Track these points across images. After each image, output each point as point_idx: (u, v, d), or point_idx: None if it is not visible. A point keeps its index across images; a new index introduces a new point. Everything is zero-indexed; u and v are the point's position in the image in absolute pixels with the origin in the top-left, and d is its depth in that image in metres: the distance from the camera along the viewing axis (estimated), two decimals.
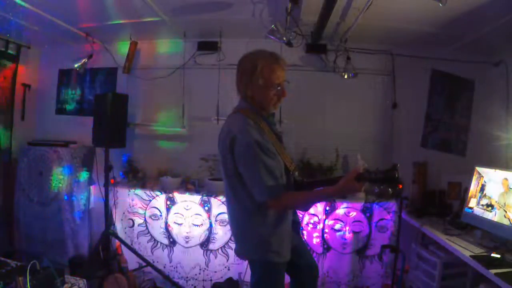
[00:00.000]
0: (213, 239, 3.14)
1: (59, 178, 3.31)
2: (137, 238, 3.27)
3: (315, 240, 3.06)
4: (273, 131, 1.70)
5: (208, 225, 3.15)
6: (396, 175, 1.43)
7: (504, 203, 2.18)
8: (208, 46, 3.48)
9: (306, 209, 1.90)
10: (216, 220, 3.13)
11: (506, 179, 2.23)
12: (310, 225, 3.06)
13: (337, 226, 3.05)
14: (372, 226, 3.05)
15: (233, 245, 3.11)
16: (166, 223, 3.20)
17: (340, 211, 3.04)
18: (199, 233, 3.16)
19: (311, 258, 2.02)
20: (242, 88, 1.70)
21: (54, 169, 3.31)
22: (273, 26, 2.65)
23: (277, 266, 1.72)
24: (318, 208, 3.04)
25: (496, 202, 2.26)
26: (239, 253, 1.81)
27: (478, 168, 2.49)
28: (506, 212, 2.15)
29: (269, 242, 1.67)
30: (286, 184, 1.66)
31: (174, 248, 3.20)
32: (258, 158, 1.57)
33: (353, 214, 3.04)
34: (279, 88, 1.66)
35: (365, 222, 3.05)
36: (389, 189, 1.55)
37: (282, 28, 2.67)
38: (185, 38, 3.49)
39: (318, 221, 3.06)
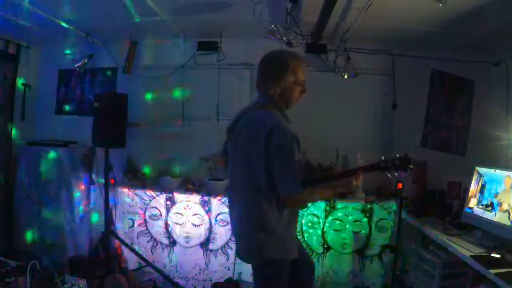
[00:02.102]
0: (213, 239, 3.14)
1: (59, 178, 3.31)
2: (137, 238, 3.27)
3: (315, 240, 3.06)
4: None
5: (208, 225, 3.15)
6: (409, 158, 1.66)
7: (509, 204, 2.17)
8: (208, 46, 3.48)
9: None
10: (216, 220, 3.13)
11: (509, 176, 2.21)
12: (310, 225, 3.06)
13: (337, 226, 3.05)
14: (372, 226, 3.05)
15: (233, 245, 3.10)
16: (166, 223, 3.20)
17: (340, 211, 3.04)
18: (199, 233, 3.16)
19: (307, 253, 2.07)
20: (269, 85, 1.74)
21: (54, 169, 3.30)
22: (273, 26, 2.65)
23: (288, 264, 1.73)
24: (318, 208, 3.04)
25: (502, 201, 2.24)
26: (250, 254, 1.76)
27: (478, 168, 2.49)
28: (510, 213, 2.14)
29: (284, 239, 1.69)
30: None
31: (174, 248, 3.20)
32: (295, 152, 1.61)
33: (353, 214, 3.04)
34: (304, 85, 1.77)
35: (365, 222, 3.05)
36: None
37: (282, 28, 2.67)
38: (185, 38, 3.49)
39: (318, 221, 3.06)
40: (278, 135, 1.61)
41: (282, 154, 1.61)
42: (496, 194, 2.26)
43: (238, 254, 1.86)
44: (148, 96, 3.65)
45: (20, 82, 3.61)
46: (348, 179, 1.72)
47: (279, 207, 1.67)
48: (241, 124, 1.77)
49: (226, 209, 3.08)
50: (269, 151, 1.61)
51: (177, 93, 3.57)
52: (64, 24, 3.02)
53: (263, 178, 1.64)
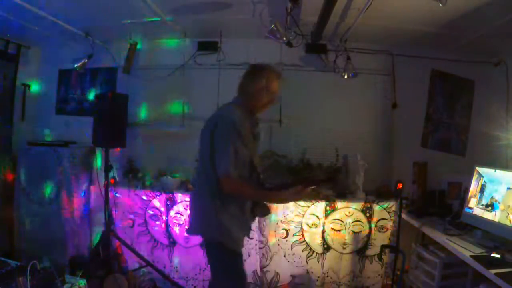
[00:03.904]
0: None
1: (59, 178, 3.31)
2: (137, 238, 3.27)
3: (315, 240, 3.06)
4: (251, 132, 1.94)
5: None
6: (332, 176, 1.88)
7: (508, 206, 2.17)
8: (208, 46, 3.49)
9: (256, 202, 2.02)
10: None
11: None
12: (310, 225, 3.06)
13: (337, 226, 3.05)
14: (372, 226, 3.05)
15: None
16: (166, 223, 3.20)
17: (340, 211, 3.04)
18: None
19: None
20: (243, 87, 2.00)
21: (54, 169, 3.30)
22: (273, 26, 2.65)
23: (232, 253, 1.90)
24: (318, 208, 3.04)
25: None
26: (194, 232, 2.01)
27: (478, 168, 2.49)
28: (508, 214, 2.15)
29: (225, 226, 1.85)
30: (248, 176, 1.88)
31: (174, 248, 3.20)
32: (233, 138, 1.80)
33: (353, 214, 3.04)
34: (273, 96, 1.98)
35: (365, 222, 3.05)
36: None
37: (282, 28, 2.67)
38: (185, 38, 3.49)
39: (318, 221, 3.06)
40: (221, 123, 1.84)
41: (220, 139, 1.82)
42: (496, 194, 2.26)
43: (188, 231, 2.10)
44: (148, 96, 3.65)
45: (20, 82, 3.61)
46: (289, 191, 1.87)
47: (221, 193, 1.83)
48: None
49: None
50: (213, 138, 1.84)
51: (177, 93, 3.56)
52: (64, 24, 3.01)
53: (209, 164, 1.84)
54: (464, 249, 2.11)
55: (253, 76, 1.98)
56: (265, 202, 2.05)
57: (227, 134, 1.81)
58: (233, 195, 1.84)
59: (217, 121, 1.86)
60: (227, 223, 1.85)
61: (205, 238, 1.98)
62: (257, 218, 3.01)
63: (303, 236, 3.06)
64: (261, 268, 3.05)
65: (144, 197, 3.23)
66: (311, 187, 1.88)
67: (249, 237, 2.08)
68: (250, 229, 2.06)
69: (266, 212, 2.08)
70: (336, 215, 3.05)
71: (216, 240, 1.88)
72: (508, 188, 2.18)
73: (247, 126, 1.89)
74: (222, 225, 1.84)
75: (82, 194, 3.44)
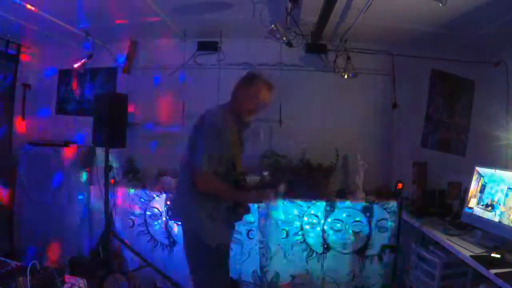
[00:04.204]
0: None
1: (59, 178, 3.31)
2: (137, 238, 3.26)
3: (315, 240, 3.06)
4: (237, 134, 2.02)
5: None
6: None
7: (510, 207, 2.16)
8: (208, 46, 3.49)
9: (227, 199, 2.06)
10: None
11: None
12: (310, 225, 3.06)
13: (337, 226, 3.05)
14: (372, 226, 3.05)
15: (233, 245, 3.10)
16: (166, 223, 3.20)
17: (340, 211, 3.04)
18: None
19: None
20: (234, 91, 2.07)
21: (54, 169, 3.31)
22: (273, 26, 2.65)
23: (206, 246, 1.94)
24: (318, 208, 3.04)
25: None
26: (174, 217, 2.17)
27: (478, 168, 2.49)
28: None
29: (200, 218, 1.94)
30: (226, 175, 1.93)
31: (174, 248, 3.20)
32: (210, 138, 1.89)
33: (353, 214, 3.04)
34: (260, 104, 2.03)
35: (365, 222, 3.05)
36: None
37: (282, 28, 2.67)
38: (185, 38, 3.49)
39: (318, 221, 3.06)
40: (206, 121, 1.94)
41: (199, 137, 1.93)
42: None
43: (169, 215, 2.24)
44: (148, 96, 3.65)
45: (20, 82, 3.61)
46: (253, 193, 2.04)
47: (196, 186, 1.92)
48: None
49: None
50: (195, 135, 1.96)
51: (177, 93, 3.56)
52: (64, 24, 3.01)
53: (190, 157, 1.94)
54: (464, 249, 2.11)
55: (244, 82, 2.07)
56: (244, 204, 2.10)
57: (206, 133, 1.91)
58: (206, 190, 1.91)
59: (201, 120, 1.97)
60: (203, 215, 1.94)
61: (183, 226, 2.08)
62: (257, 218, 3.05)
63: (303, 236, 3.06)
64: (261, 268, 3.06)
65: (144, 197, 3.23)
66: (271, 189, 2.02)
67: (230, 233, 2.14)
68: (229, 224, 2.09)
69: (243, 212, 2.11)
70: (336, 215, 3.05)
71: (192, 230, 1.98)
72: (509, 188, 2.18)
73: (233, 128, 1.97)
74: (198, 216, 1.94)
75: (82, 194, 3.44)
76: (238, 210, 2.08)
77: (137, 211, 3.25)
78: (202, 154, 1.86)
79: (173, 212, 2.17)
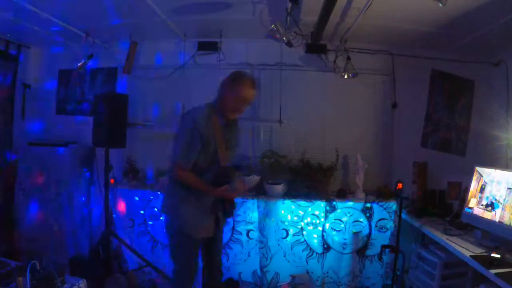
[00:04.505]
0: None
1: (59, 178, 3.31)
2: (137, 238, 3.27)
3: (315, 240, 3.06)
4: (220, 130, 2.09)
5: None
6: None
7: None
8: (208, 46, 3.48)
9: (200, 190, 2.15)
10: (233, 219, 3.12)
11: None
12: (310, 225, 3.06)
13: (337, 226, 3.05)
14: (372, 226, 3.05)
15: (233, 245, 3.11)
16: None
17: (340, 211, 3.04)
18: None
19: (216, 264, 2.34)
20: (219, 89, 2.17)
21: (54, 169, 3.31)
22: (273, 26, 2.65)
23: (183, 235, 2.09)
24: (318, 208, 3.04)
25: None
26: (162, 208, 2.26)
27: (478, 168, 2.49)
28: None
29: (179, 210, 2.09)
30: (207, 169, 2.05)
31: None
32: (188, 132, 2.00)
33: (353, 214, 3.04)
34: (242, 102, 2.11)
35: (365, 222, 3.05)
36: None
37: (282, 28, 2.66)
38: (185, 38, 3.49)
39: (318, 221, 3.06)
40: (183, 118, 2.11)
41: (178, 131, 2.08)
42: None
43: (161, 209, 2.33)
44: (148, 96, 3.64)
45: (20, 82, 3.61)
46: (220, 189, 2.06)
47: (183, 185, 2.08)
48: None
49: None
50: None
51: (177, 93, 3.56)
52: (64, 24, 3.01)
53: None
54: (464, 249, 2.11)
55: (228, 80, 2.15)
56: (230, 204, 2.19)
57: (183, 128, 2.04)
58: (181, 180, 2.06)
59: (183, 115, 2.11)
60: (185, 208, 2.07)
61: (167, 217, 2.21)
62: (257, 219, 3.05)
63: (303, 236, 3.07)
64: (261, 268, 3.06)
65: (144, 197, 3.23)
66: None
67: (214, 226, 2.20)
68: (213, 217, 2.17)
69: (229, 207, 2.18)
70: (336, 215, 3.05)
71: (175, 222, 2.12)
72: (509, 188, 2.18)
73: (214, 124, 2.06)
74: (180, 209, 2.08)
75: (82, 194, 3.44)
76: (225, 205, 2.14)
77: (137, 211, 3.25)
78: (175, 147, 2.05)
79: (162, 205, 2.26)
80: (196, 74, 3.56)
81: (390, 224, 3.04)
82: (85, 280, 1.80)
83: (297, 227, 3.06)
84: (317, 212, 3.05)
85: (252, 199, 3.06)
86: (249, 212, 3.07)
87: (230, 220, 3.08)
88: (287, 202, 3.05)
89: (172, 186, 2.17)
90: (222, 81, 2.18)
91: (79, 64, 3.39)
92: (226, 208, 2.16)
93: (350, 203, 3.05)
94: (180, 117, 2.16)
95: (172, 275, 2.21)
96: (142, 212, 3.25)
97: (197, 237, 2.13)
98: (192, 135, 1.99)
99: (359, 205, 3.04)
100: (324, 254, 3.07)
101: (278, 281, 3.07)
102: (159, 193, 3.20)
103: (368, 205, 3.04)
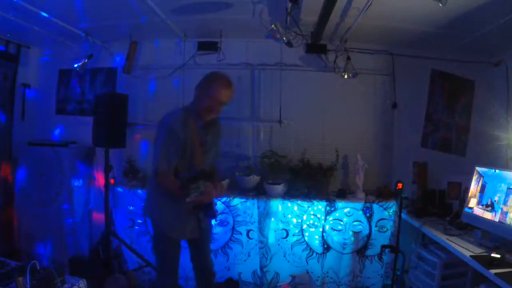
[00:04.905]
0: (213, 239, 3.13)
1: (59, 178, 3.31)
2: (137, 238, 3.26)
3: (315, 240, 3.06)
4: (197, 132, 2.08)
5: None
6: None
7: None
8: (208, 46, 3.48)
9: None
10: (216, 220, 3.13)
11: None
12: (310, 225, 3.06)
13: (337, 226, 3.05)
14: (372, 226, 3.05)
15: (233, 245, 3.12)
16: None
17: (340, 211, 3.04)
18: None
19: (206, 264, 2.38)
20: (195, 91, 2.17)
21: (54, 169, 3.30)
22: (273, 26, 2.65)
23: (164, 237, 2.14)
24: (318, 208, 3.04)
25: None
26: (143, 212, 2.33)
27: (478, 168, 2.49)
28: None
29: (160, 212, 2.14)
30: (184, 171, 1.99)
31: None
32: (164, 137, 2.00)
33: (353, 214, 3.04)
34: (217, 102, 2.08)
35: (365, 222, 3.05)
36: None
37: (282, 28, 2.66)
38: (185, 38, 3.49)
39: (318, 221, 3.06)
40: (160, 123, 2.08)
41: (156, 137, 2.06)
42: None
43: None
44: (148, 96, 3.64)
45: (20, 82, 3.61)
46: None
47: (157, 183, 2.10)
48: None
49: (226, 209, 3.08)
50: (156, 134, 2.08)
51: (177, 93, 3.56)
52: (64, 24, 3.01)
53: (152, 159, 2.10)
54: (464, 249, 2.11)
55: (202, 81, 2.14)
56: (210, 205, 2.13)
57: (161, 133, 2.03)
58: (164, 186, 2.05)
59: (160, 121, 2.09)
60: (165, 211, 2.11)
61: (149, 218, 2.27)
62: (257, 219, 3.05)
63: (303, 236, 3.07)
64: (261, 268, 3.06)
65: (144, 197, 3.23)
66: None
67: (196, 228, 2.22)
68: (193, 220, 2.17)
69: (210, 214, 2.13)
70: (336, 215, 3.05)
71: (156, 222, 2.18)
72: (509, 188, 2.18)
73: (190, 127, 2.04)
74: (161, 212, 2.13)
75: (82, 194, 3.44)
76: (206, 207, 2.07)
77: (137, 211, 3.25)
78: (155, 153, 2.04)
79: (144, 207, 2.31)
80: (196, 74, 3.53)
81: (390, 224, 3.04)
82: (85, 280, 1.80)
83: (297, 227, 3.06)
84: (317, 212, 3.05)
85: (252, 199, 3.06)
86: (249, 212, 3.07)
87: (230, 220, 3.09)
88: (287, 202, 3.05)
89: (152, 190, 2.20)
90: (198, 82, 2.17)
91: (79, 64, 3.39)
92: (207, 209, 2.10)
93: (350, 203, 3.05)
94: (158, 122, 2.11)
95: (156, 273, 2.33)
96: (142, 212, 3.24)
97: (178, 239, 2.19)
98: (170, 140, 1.99)
99: (359, 205, 3.04)
100: (324, 254, 3.07)
101: (278, 281, 3.07)
102: None
103: (368, 205, 3.04)
